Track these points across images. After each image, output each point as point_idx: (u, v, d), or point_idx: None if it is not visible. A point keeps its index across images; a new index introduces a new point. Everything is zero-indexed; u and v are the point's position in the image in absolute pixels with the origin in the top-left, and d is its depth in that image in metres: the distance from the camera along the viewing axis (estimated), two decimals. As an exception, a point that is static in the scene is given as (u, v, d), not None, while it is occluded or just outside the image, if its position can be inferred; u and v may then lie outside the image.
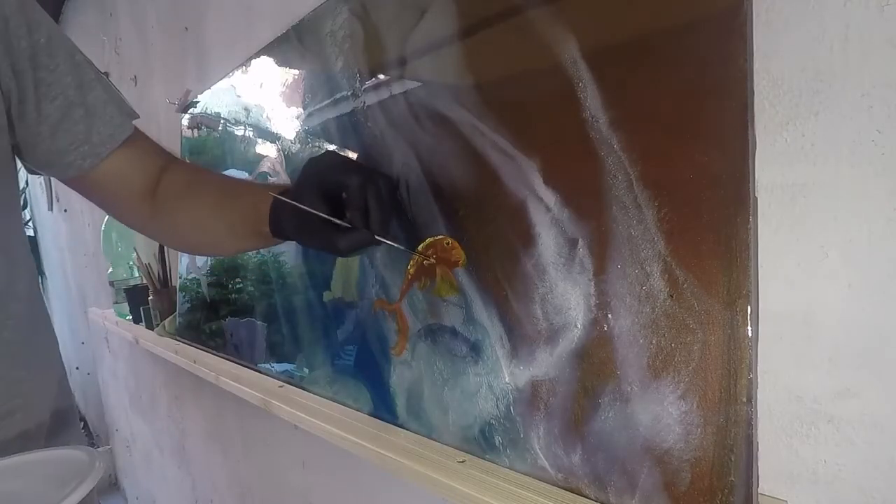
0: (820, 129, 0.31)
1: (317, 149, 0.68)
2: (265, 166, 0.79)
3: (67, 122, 0.51)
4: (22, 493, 0.41)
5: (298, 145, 0.71)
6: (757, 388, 0.32)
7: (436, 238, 0.50)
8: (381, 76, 0.56)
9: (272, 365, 0.79)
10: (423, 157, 0.52)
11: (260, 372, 0.81)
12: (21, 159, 0.55)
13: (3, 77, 0.48)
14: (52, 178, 2.74)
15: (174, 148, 1.12)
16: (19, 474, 0.44)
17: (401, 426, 0.55)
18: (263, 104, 0.79)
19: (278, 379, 0.75)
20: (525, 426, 0.43)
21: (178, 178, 0.57)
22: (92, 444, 2.83)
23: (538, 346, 0.42)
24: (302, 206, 0.45)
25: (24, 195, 3.53)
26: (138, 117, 0.57)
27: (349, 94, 0.61)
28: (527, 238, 0.43)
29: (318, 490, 0.87)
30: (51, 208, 2.82)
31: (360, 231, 0.44)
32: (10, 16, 0.47)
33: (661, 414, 0.35)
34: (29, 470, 0.44)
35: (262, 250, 0.80)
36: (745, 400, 0.31)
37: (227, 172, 0.90)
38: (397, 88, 0.54)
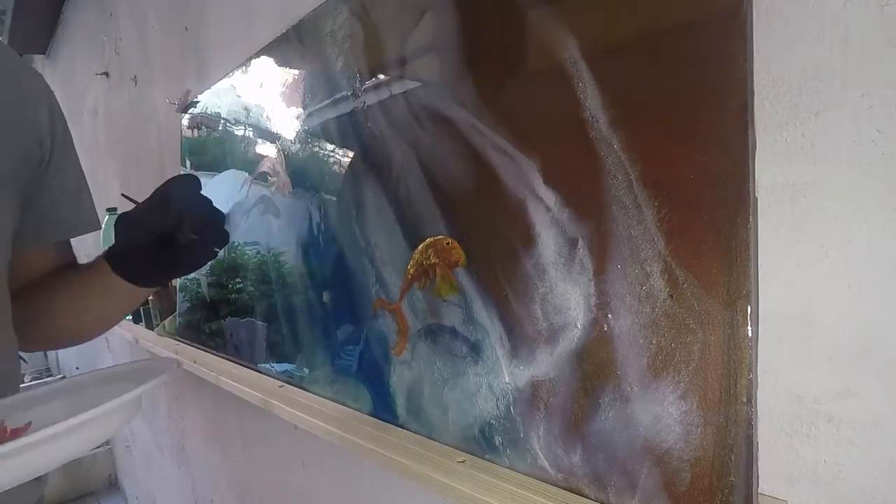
0: (820, 129, 0.31)
1: (316, 149, 0.68)
2: (265, 166, 0.79)
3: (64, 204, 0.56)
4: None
5: (298, 145, 0.71)
6: (757, 388, 0.32)
7: (436, 238, 0.50)
8: (381, 76, 0.56)
9: (272, 365, 0.79)
10: (423, 157, 0.52)
11: (260, 372, 0.81)
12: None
13: (44, 141, 0.52)
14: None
15: (174, 148, 1.12)
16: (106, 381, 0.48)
17: (401, 426, 0.55)
18: (263, 104, 0.79)
19: (278, 379, 0.75)
20: (525, 426, 0.43)
21: (63, 283, 0.57)
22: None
23: (538, 346, 0.42)
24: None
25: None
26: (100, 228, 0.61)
27: (349, 94, 0.61)
28: (527, 238, 0.43)
29: (318, 490, 0.87)
30: (51, 208, 2.81)
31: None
32: (55, 105, 0.54)
33: (661, 414, 0.35)
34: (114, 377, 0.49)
35: (261, 250, 0.80)
36: (745, 400, 0.31)
37: (227, 172, 0.90)
38: (397, 88, 0.54)
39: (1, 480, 0.35)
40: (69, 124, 0.58)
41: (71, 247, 0.60)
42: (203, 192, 0.50)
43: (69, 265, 0.60)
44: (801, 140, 0.32)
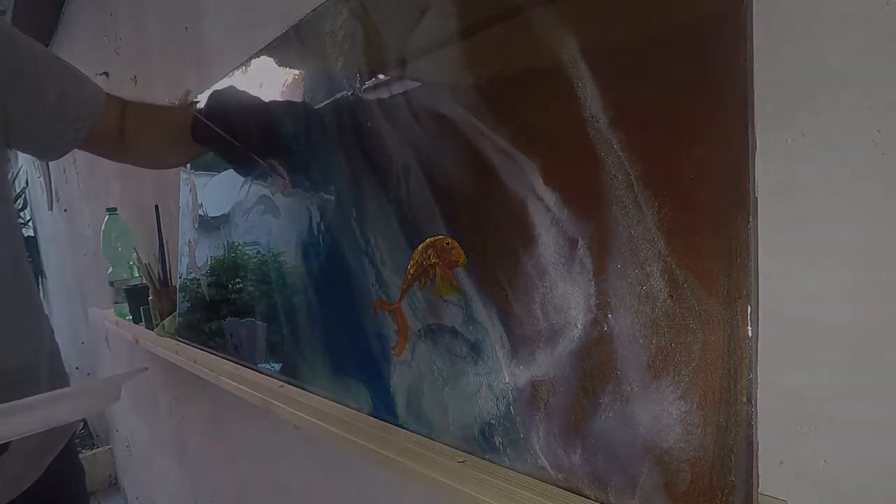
0: (820, 129, 0.31)
1: (316, 149, 0.68)
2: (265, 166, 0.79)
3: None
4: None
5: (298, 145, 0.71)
6: (757, 388, 0.32)
7: (436, 238, 0.50)
8: (381, 76, 0.56)
9: (272, 365, 0.79)
10: (423, 157, 0.52)
11: (260, 372, 0.81)
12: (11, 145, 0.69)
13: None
14: (51, 179, 2.74)
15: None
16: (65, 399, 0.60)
17: (401, 426, 0.55)
18: (263, 104, 0.79)
19: (278, 379, 0.75)
20: (525, 426, 0.43)
21: (133, 116, 0.76)
22: (92, 445, 2.84)
23: (538, 346, 0.42)
24: (208, 123, 0.69)
25: (23, 195, 3.53)
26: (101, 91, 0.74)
27: (349, 94, 0.61)
28: (527, 238, 0.43)
29: (318, 490, 0.87)
30: (51, 208, 2.82)
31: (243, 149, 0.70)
32: None
33: (661, 414, 0.35)
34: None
35: (261, 250, 0.80)
36: (745, 400, 0.31)
37: (226, 172, 0.90)
38: (397, 88, 0.54)
39: None
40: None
41: (112, 101, 0.74)
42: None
43: (139, 105, 0.77)
44: (801, 140, 0.32)
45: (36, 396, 0.52)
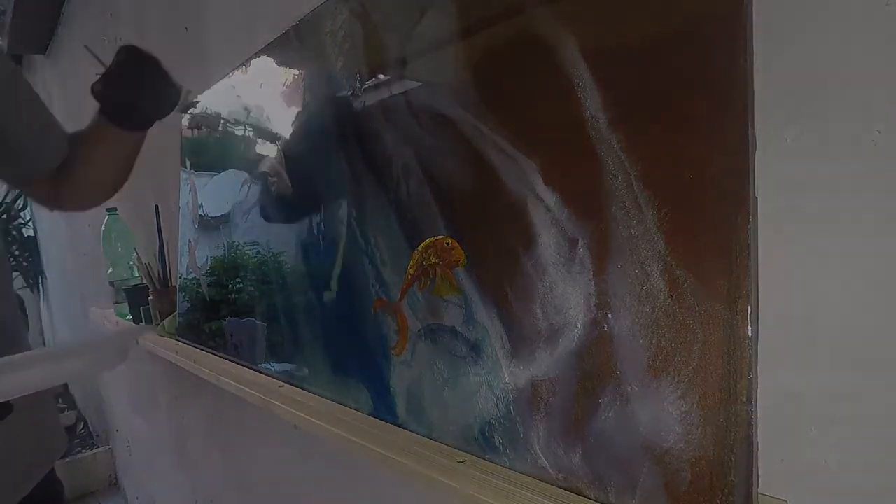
0: (820, 129, 0.31)
1: (316, 149, 0.68)
2: (265, 166, 0.79)
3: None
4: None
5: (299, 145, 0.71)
6: (757, 388, 0.32)
7: (436, 238, 0.50)
8: (381, 76, 0.56)
9: (272, 365, 0.79)
10: (423, 157, 0.52)
11: (260, 372, 0.81)
12: None
13: None
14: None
15: (174, 148, 1.12)
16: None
17: (401, 426, 0.55)
18: (263, 104, 0.79)
19: (278, 379, 0.75)
20: (525, 426, 0.43)
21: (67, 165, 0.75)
22: (92, 445, 2.84)
23: (538, 346, 0.42)
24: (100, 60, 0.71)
25: (23, 195, 3.53)
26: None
27: (349, 94, 0.61)
28: (527, 238, 0.43)
29: (318, 490, 0.87)
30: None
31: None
32: None
33: (661, 414, 0.35)
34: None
35: (261, 250, 0.80)
36: (745, 400, 0.31)
37: (227, 172, 0.90)
38: (397, 88, 0.54)
39: None
40: (70, 125, 0.64)
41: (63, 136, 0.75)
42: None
43: (73, 137, 0.76)
44: (801, 140, 0.32)
45: (38, 350, 0.52)
